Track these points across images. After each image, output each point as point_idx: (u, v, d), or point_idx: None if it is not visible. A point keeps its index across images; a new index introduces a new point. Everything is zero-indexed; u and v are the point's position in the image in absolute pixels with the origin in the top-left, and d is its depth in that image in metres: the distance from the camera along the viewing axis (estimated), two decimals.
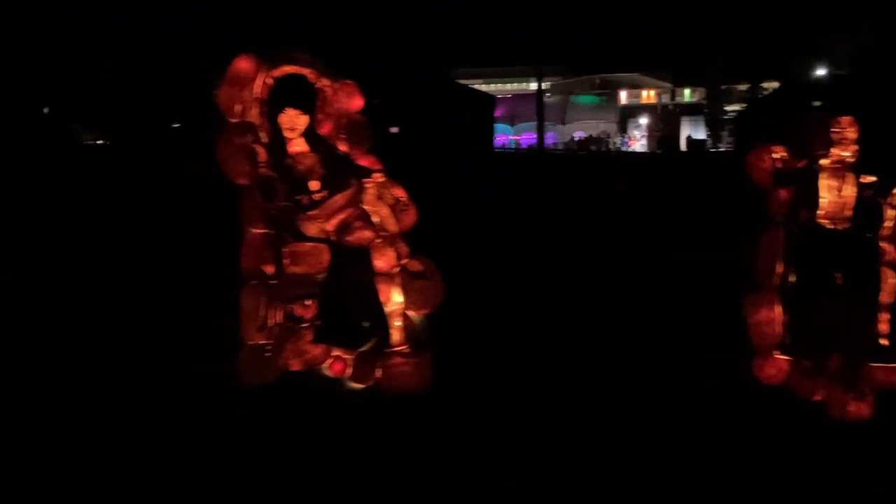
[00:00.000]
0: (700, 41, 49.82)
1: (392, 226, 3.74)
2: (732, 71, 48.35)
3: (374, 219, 3.73)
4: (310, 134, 3.72)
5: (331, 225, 3.69)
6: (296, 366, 3.67)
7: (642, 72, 53.73)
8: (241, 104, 3.68)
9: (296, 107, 3.65)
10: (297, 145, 3.71)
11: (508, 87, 51.04)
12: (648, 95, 53.96)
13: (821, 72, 50.98)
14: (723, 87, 49.82)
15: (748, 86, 50.79)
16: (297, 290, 3.67)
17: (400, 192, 3.74)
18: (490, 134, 36.66)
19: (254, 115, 3.71)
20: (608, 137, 48.85)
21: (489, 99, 38.05)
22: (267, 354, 3.62)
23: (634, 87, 53.85)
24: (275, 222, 3.66)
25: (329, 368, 3.69)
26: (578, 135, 48.71)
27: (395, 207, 3.73)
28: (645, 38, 50.19)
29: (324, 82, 3.76)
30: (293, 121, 3.66)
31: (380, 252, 3.71)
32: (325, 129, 3.79)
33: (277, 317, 3.65)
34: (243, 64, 3.68)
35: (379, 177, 3.71)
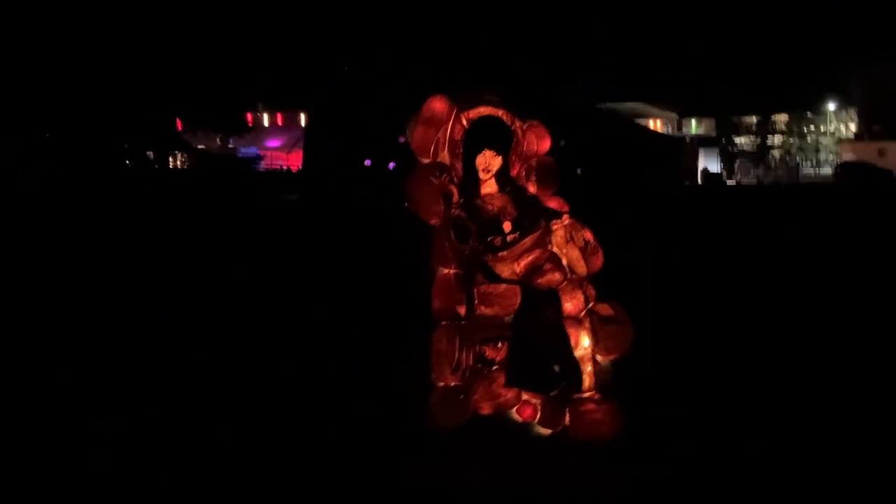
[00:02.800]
0: (711, 72, 50.06)
1: (581, 268, 3.70)
2: (743, 103, 48.79)
3: (563, 261, 3.70)
4: (499, 175, 3.71)
5: (520, 266, 3.66)
6: (486, 409, 3.61)
7: (648, 102, 54.01)
8: (435, 145, 3.68)
9: (493, 148, 3.64)
10: (488, 186, 3.71)
11: None
12: (655, 125, 54.19)
13: (831, 104, 51.50)
14: (733, 118, 50.27)
15: (758, 118, 51.30)
16: (486, 332, 3.63)
17: (588, 235, 3.71)
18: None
19: (445, 156, 3.71)
20: None
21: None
22: (461, 397, 3.57)
23: (639, 116, 54.08)
24: (466, 263, 3.63)
25: (518, 413, 3.64)
26: None
27: (585, 250, 3.70)
28: (654, 69, 50.30)
29: (516, 124, 3.75)
30: (489, 162, 3.66)
31: (569, 295, 3.66)
32: (514, 170, 3.78)
33: (468, 358, 3.61)
34: (438, 105, 3.67)
35: (566, 218, 3.69)
